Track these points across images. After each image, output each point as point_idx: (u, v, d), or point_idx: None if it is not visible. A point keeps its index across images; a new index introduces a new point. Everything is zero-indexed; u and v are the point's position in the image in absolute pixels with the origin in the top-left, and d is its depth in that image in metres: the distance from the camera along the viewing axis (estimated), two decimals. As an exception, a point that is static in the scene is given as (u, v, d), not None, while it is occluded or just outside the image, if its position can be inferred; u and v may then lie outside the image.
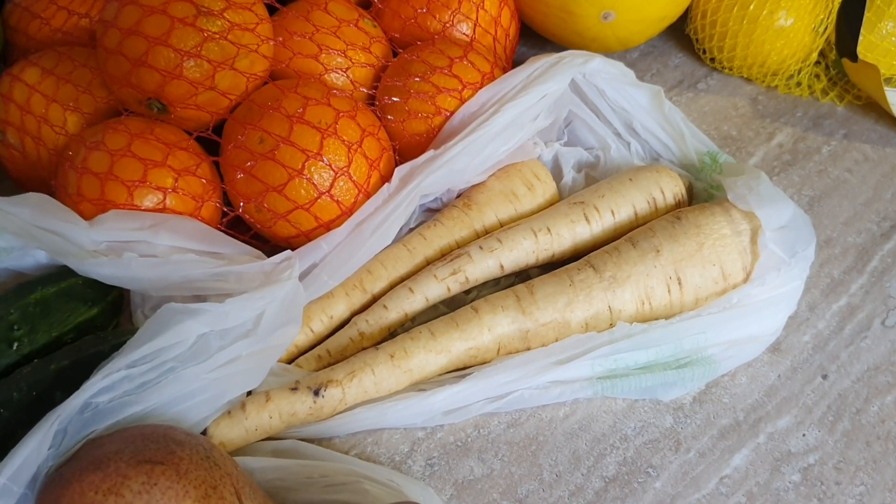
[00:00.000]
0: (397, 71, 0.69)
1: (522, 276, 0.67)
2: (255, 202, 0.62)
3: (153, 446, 0.47)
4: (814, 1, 0.79)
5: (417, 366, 0.59)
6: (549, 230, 0.65)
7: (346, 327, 0.63)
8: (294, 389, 0.57)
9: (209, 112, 0.64)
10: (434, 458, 0.59)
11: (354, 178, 0.63)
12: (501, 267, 0.65)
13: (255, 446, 0.57)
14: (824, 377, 0.63)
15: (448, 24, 0.73)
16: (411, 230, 0.68)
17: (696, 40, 0.86)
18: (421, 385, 0.60)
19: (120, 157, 0.61)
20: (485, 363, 0.61)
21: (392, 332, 0.64)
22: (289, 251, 0.61)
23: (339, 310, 0.64)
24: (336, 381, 0.58)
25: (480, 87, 0.68)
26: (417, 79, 0.67)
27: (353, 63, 0.69)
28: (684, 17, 0.85)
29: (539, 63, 0.69)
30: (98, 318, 0.61)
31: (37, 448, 0.47)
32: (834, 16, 0.79)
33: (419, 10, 0.73)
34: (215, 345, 0.54)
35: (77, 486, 0.45)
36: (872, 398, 0.61)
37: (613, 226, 0.66)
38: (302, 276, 0.61)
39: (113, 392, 0.50)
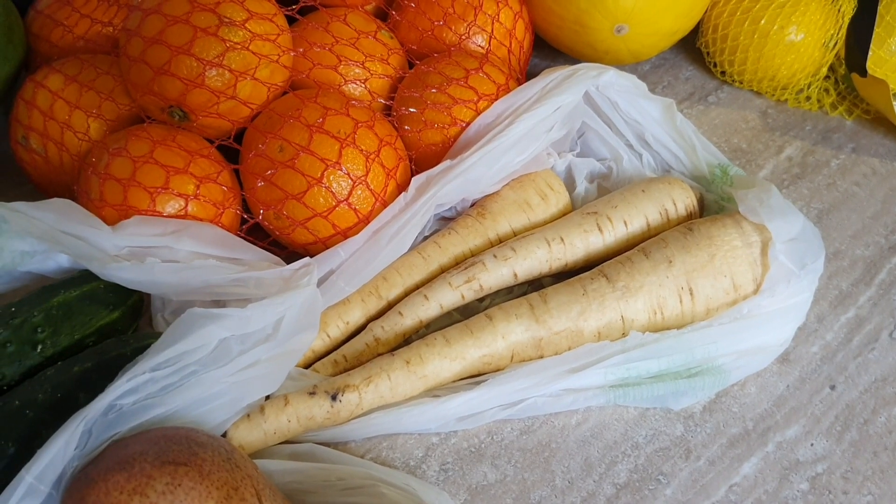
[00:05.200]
0: (414, 82, 0.70)
1: (535, 284, 0.68)
2: (275, 209, 0.63)
3: (176, 448, 0.48)
4: (824, 16, 0.80)
5: (432, 372, 0.60)
6: (562, 240, 0.66)
7: (362, 333, 0.64)
8: (312, 394, 0.58)
9: (230, 120, 0.65)
10: (448, 464, 0.60)
11: (372, 186, 0.64)
12: (515, 275, 0.66)
13: (273, 449, 0.58)
14: (832, 388, 0.64)
15: (464, 36, 0.74)
16: (426, 238, 0.69)
17: (707, 54, 0.87)
18: (435, 391, 0.61)
19: (142, 163, 0.62)
20: (499, 370, 0.62)
21: (407, 339, 0.65)
22: (307, 258, 0.62)
23: (355, 316, 0.65)
24: (353, 386, 0.59)
25: (496, 99, 0.69)
26: (434, 90, 0.69)
27: (371, 74, 0.70)
28: (696, 31, 0.86)
29: (553, 75, 0.70)
30: (119, 322, 0.62)
31: (63, 448, 0.48)
32: (844, 31, 0.80)
33: (436, 23, 0.74)
34: (236, 349, 0.55)
35: (102, 485, 0.46)
36: (880, 409, 0.62)
37: (626, 236, 0.67)
38: (319, 283, 0.62)
39: (137, 394, 0.51)
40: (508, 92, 0.70)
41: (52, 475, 0.48)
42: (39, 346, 0.58)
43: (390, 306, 0.66)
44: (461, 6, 0.75)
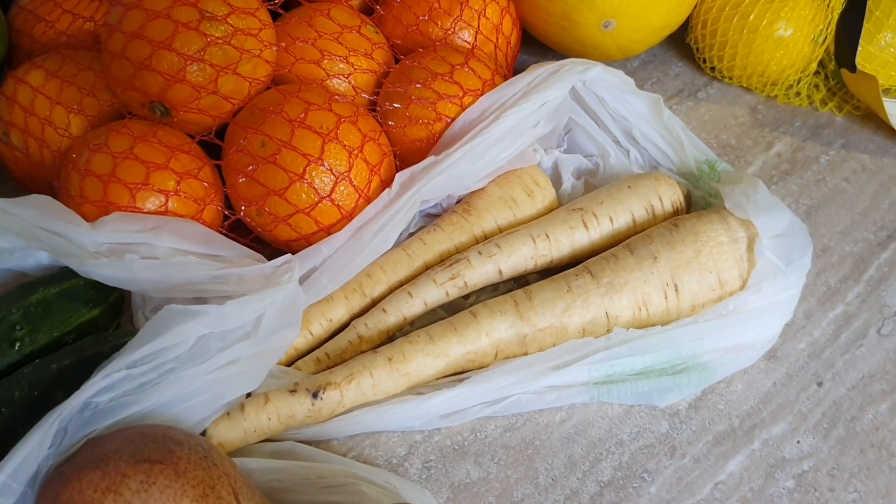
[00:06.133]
0: (399, 77, 0.70)
1: (521, 281, 0.68)
2: (257, 206, 0.63)
3: (152, 446, 0.48)
4: (813, 12, 0.80)
5: (415, 369, 0.60)
6: (547, 236, 0.66)
7: (345, 331, 0.63)
8: (293, 391, 0.58)
9: (212, 116, 0.64)
10: (431, 462, 0.59)
11: (355, 182, 0.63)
12: (500, 272, 0.65)
13: (253, 448, 0.58)
14: (819, 385, 0.63)
15: (450, 31, 0.74)
16: (411, 235, 0.69)
17: (697, 49, 0.87)
18: (419, 388, 0.61)
19: (123, 159, 0.61)
20: (483, 367, 0.61)
21: (391, 336, 0.64)
22: (289, 255, 0.61)
23: (339, 313, 0.64)
24: (334, 383, 0.58)
25: (481, 94, 0.68)
26: (419, 85, 0.68)
27: (354, 69, 0.70)
28: (685, 27, 0.86)
29: (540, 71, 0.70)
30: (99, 319, 0.62)
31: (37, 446, 0.48)
32: (833, 26, 0.79)
33: (421, 17, 0.74)
34: (215, 346, 0.55)
35: (76, 484, 0.45)
36: (867, 406, 0.62)
37: (611, 233, 0.67)
38: (302, 280, 0.61)
39: (113, 392, 0.51)
40: (494, 87, 0.69)
41: (27, 474, 0.47)
42: (17, 344, 0.57)
43: (374, 304, 0.65)
44: (447, 1, 0.74)
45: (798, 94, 0.84)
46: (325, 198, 0.62)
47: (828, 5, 0.79)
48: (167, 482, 0.46)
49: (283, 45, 0.68)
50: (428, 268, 0.66)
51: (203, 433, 0.56)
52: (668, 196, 0.68)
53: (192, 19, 0.62)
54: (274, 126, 0.63)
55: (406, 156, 0.69)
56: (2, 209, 0.61)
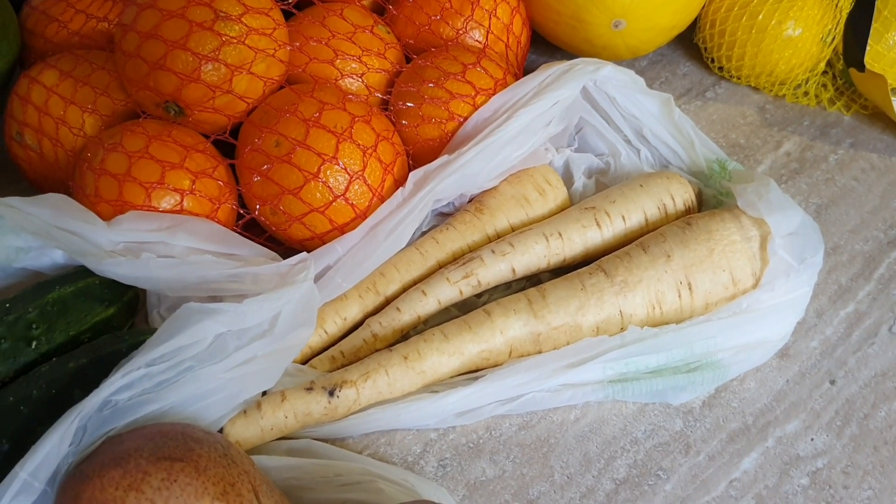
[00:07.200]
0: (411, 76, 0.70)
1: (533, 280, 0.68)
2: (271, 205, 0.63)
3: (172, 443, 0.48)
4: (822, 11, 0.80)
5: (430, 367, 0.60)
6: (560, 235, 0.66)
7: (359, 329, 0.64)
8: (309, 389, 0.58)
9: (226, 115, 0.64)
10: (446, 459, 0.59)
11: (369, 181, 0.64)
12: (513, 271, 0.65)
13: (270, 445, 0.58)
14: (832, 382, 0.63)
15: (461, 31, 0.74)
16: (424, 234, 0.69)
17: (705, 49, 0.87)
18: (434, 387, 0.61)
19: (138, 158, 0.62)
20: (497, 366, 0.61)
21: (405, 335, 0.64)
22: (304, 253, 0.62)
23: (353, 312, 0.64)
24: (350, 381, 0.58)
25: (493, 94, 0.69)
26: (431, 84, 0.68)
27: (367, 68, 0.70)
28: (693, 26, 0.86)
29: (551, 70, 0.70)
30: (114, 318, 0.62)
31: (57, 444, 0.48)
32: (841, 26, 0.80)
33: (433, 17, 0.74)
34: (232, 345, 0.55)
35: (97, 481, 0.45)
36: (880, 403, 0.62)
37: (624, 231, 0.67)
38: (316, 279, 0.61)
39: (132, 390, 0.51)
40: (506, 87, 0.69)
41: (47, 472, 0.48)
42: (34, 343, 0.57)
43: (388, 302, 0.65)
44: (458, 1, 0.74)
45: (806, 93, 0.85)
46: (339, 197, 0.63)
47: (836, 5, 0.80)
48: (188, 480, 0.46)
49: (297, 44, 0.68)
50: (441, 266, 0.66)
51: (220, 431, 0.56)
52: (681, 195, 0.68)
53: (207, 19, 0.62)
54: (288, 125, 0.63)
55: (419, 155, 0.69)
56: (17, 208, 0.61)
